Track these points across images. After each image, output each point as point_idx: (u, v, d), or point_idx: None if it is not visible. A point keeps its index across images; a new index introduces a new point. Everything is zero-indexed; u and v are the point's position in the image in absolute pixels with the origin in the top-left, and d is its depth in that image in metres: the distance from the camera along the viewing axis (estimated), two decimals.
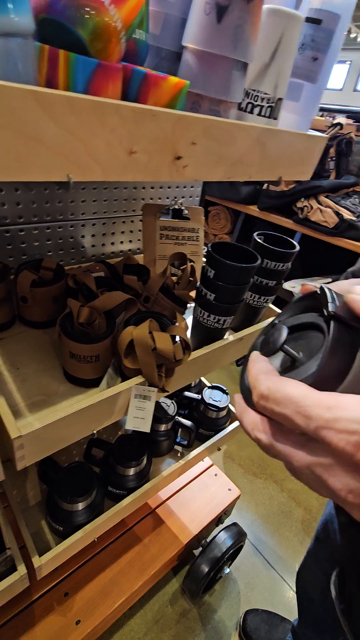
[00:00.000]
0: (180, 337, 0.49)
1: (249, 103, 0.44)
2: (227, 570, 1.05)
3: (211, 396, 0.86)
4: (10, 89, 0.24)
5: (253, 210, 1.64)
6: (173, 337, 0.49)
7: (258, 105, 0.44)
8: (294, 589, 1.12)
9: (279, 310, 0.72)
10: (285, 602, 1.09)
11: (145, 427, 0.50)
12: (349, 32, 9.83)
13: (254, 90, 0.43)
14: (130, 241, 0.83)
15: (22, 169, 0.27)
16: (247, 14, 0.34)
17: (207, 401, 0.85)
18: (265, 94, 0.43)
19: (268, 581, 1.13)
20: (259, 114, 0.45)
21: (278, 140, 0.46)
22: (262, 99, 0.44)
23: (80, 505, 0.62)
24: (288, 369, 0.24)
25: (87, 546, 0.84)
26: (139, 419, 0.49)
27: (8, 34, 0.25)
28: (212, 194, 1.80)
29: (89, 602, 0.78)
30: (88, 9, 0.27)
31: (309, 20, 0.44)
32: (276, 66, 0.42)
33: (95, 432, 0.47)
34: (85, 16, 0.27)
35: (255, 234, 0.62)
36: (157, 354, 0.47)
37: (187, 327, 0.53)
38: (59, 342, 0.49)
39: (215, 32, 0.35)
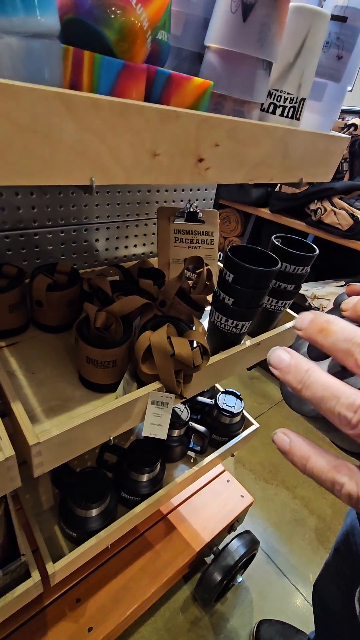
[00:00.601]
0: (198, 342, 0.48)
1: (271, 103, 0.43)
2: (240, 579, 1.03)
3: (225, 401, 0.85)
4: (37, 91, 0.24)
5: (264, 212, 1.63)
6: (191, 342, 0.48)
7: (281, 105, 0.43)
8: (308, 599, 1.10)
9: (296, 315, 0.71)
10: (299, 612, 1.06)
11: (162, 434, 0.49)
12: None
13: (277, 90, 0.42)
14: (144, 244, 0.82)
15: (47, 173, 0.27)
16: (274, 11, 0.33)
17: (220, 406, 0.83)
18: (289, 94, 0.42)
19: (281, 590, 1.11)
20: (282, 115, 0.43)
21: (300, 141, 0.45)
22: (285, 99, 0.43)
23: (94, 512, 0.61)
24: (337, 375, 0.23)
25: (99, 552, 0.84)
26: (156, 426, 0.48)
27: (34, 35, 0.24)
28: (221, 196, 1.79)
29: (101, 608, 0.77)
30: (115, 9, 0.26)
31: (334, 17, 0.43)
32: (300, 65, 0.41)
33: (112, 438, 0.47)
34: (112, 16, 0.26)
35: (273, 237, 0.61)
36: (175, 360, 0.46)
37: (205, 332, 0.52)
38: (76, 347, 0.49)
39: (241, 30, 0.34)
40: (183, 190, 0.82)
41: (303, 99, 0.43)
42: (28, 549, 0.55)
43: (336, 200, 1.36)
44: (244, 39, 0.34)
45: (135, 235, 0.79)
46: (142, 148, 0.32)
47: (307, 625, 1.01)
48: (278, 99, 0.43)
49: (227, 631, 0.99)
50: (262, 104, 0.43)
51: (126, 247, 0.79)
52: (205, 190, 0.86)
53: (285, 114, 0.43)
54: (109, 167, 0.30)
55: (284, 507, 1.33)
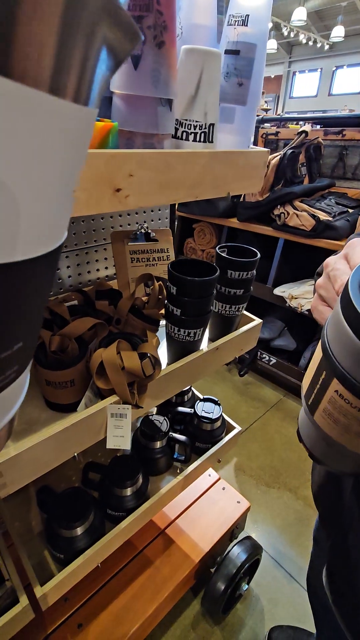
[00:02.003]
0: (149, 354, 0.51)
1: (183, 132, 0.48)
2: (246, 587, 1.02)
3: (203, 409, 0.87)
4: None
5: (233, 222, 1.69)
6: (143, 355, 0.51)
7: (192, 132, 0.48)
8: None
9: (254, 317, 0.75)
10: (312, 615, 1.05)
11: (126, 445, 0.51)
12: (315, 42, 10.25)
13: (186, 120, 0.47)
14: (107, 267, 0.86)
15: None
16: (160, 58, 0.38)
17: (199, 414, 0.86)
18: (197, 121, 0.47)
19: (292, 594, 1.09)
20: (195, 140, 0.48)
21: (216, 160, 0.50)
22: (195, 127, 0.47)
23: (79, 530, 0.62)
24: None
25: (97, 574, 0.84)
26: (118, 437, 0.51)
27: None
28: (192, 211, 1.86)
29: (103, 631, 0.77)
30: None
31: (228, 52, 0.48)
32: (202, 97, 0.46)
33: (76, 455, 0.49)
34: None
35: (217, 248, 0.65)
36: (127, 372, 0.49)
37: (158, 344, 0.56)
38: (35, 372, 0.52)
39: (135, 76, 0.39)
40: (137, 214, 0.87)
41: (212, 124, 0.48)
42: (15, 573, 0.57)
43: (297, 203, 1.42)
44: (138, 84, 0.39)
45: (97, 260, 0.84)
46: None
47: None
48: (188, 127, 0.47)
49: None
50: (176, 132, 0.48)
51: (89, 272, 0.83)
52: (159, 210, 0.91)
53: (197, 139, 0.48)
54: None
55: (287, 509, 1.33)
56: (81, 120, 0.13)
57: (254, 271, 0.64)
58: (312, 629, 0.98)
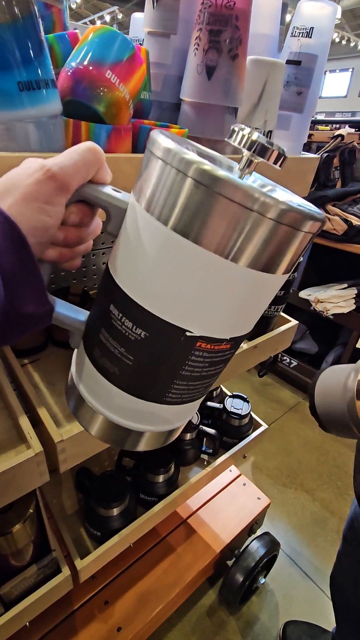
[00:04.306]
0: None
1: None
2: (263, 580, 1.05)
3: (233, 405, 0.90)
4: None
5: None
6: None
7: None
8: None
9: (290, 318, 0.76)
10: (326, 614, 1.07)
11: None
12: (349, 40, 10.02)
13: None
14: None
15: None
16: (233, 69, 0.41)
17: (229, 410, 0.88)
18: (257, 128, 0.49)
19: (306, 593, 1.11)
20: None
21: (272, 166, 0.52)
22: None
23: (115, 511, 0.66)
24: None
25: (123, 555, 0.88)
26: None
27: (43, 116, 0.32)
28: None
29: (128, 609, 0.81)
30: (103, 88, 0.34)
31: (290, 62, 0.50)
32: (264, 105, 0.48)
33: None
34: (101, 94, 0.34)
35: None
36: None
37: None
38: None
39: (207, 87, 0.41)
40: None
41: (270, 131, 0.50)
42: (57, 546, 0.61)
43: (330, 207, 1.42)
44: (210, 93, 0.41)
45: None
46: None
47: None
48: None
49: (254, 634, 1.00)
50: None
51: None
52: None
53: None
54: None
55: (304, 510, 1.34)
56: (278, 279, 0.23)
57: (295, 273, 0.66)
58: (325, 626, 1.00)
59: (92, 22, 8.42)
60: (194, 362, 0.24)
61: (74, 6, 8.46)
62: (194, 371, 0.25)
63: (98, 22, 8.50)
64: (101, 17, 8.56)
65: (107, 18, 8.44)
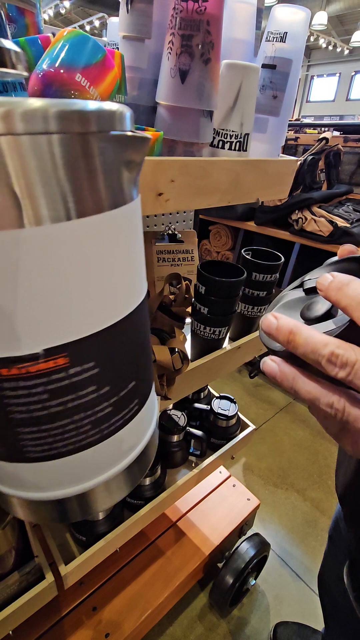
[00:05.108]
0: (178, 349, 0.54)
1: (220, 140, 0.51)
2: (253, 582, 1.05)
3: (220, 406, 0.90)
4: None
5: (250, 225, 1.71)
6: (172, 349, 0.54)
7: (228, 141, 0.51)
8: None
9: None
10: (317, 613, 1.07)
11: None
12: (335, 46, 10.20)
13: (223, 130, 0.50)
14: None
15: None
16: (206, 73, 0.41)
17: (216, 411, 0.88)
18: (233, 131, 0.50)
19: (297, 593, 1.11)
20: (230, 149, 0.51)
21: (249, 168, 0.53)
22: (231, 136, 0.50)
23: (101, 515, 0.66)
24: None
25: (111, 560, 0.88)
26: None
27: None
28: (210, 214, 1.88)
29: (117, 615, 0.80)
30: (72, 92, 0.34)
31: (265, 66, 0.51)
32: (240, 108, 0.49)
33: None
34: (71, 97, 0.34)
35: (242, 250, 0.68)
36: (157, 365, 0.52)
37: (185, 340, 0.58)
38: None
39: (181, 90, 0.42)
40: (163, 215, 0.90)
41: (247, 134, 0.51)
42: (41, 551, 0.60)
43: (315, 208, 1.43)
44: (184, 96, 0.42)
45: None
46: None
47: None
48: (225, 136, 0.50)
49: (245, 636, 1.00)
50: (212, 141, 0.51)
51: None
52: (185, 212, 0.94)
53: (233, 148, 0.51)
54: None
55: (294, 510, 1.34)
56: (131, 210, 0.18)
57: (277, 274, 0.67)
58: (316, 627, 1.00)
59: (82, 27, 8.44)
60: (14, 399, 0.17)
61: (63, 11, 8.49)
62: (32, 411, 0.18)
63: (87, 28, 8.54)
64: (90, 22, 8.59)
65: (97, 23, 8.48)
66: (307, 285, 0.28)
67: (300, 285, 0.29)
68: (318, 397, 0.20)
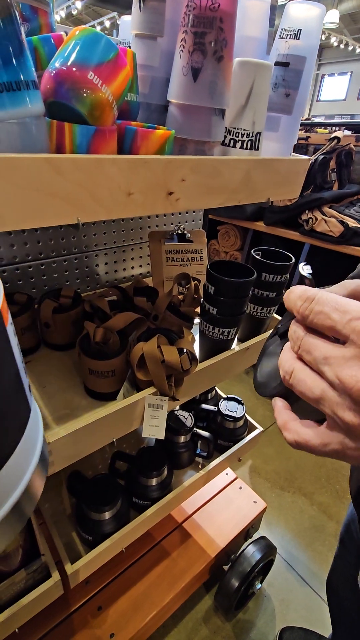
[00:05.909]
0: (186, 349, 0.54)
1: (231, 139, 0.50)
2: (259, 586, 1.04)
3: (227, 407, 0.89)
4: (28, 159, 0.31)
5: (260, 226, 1.70)
6: (181, 350, 0.54)
7: (240, 140, 0.50)
8: None
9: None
10: (323, 619, 1.05)
11: (160, 435, 0.54)
12: (347, 44, 10.08)
13: (235, 128, 0.49)
14: (141, 265, 0.89)
15: (40, 218, 0.34)
16: (218, 71, 0.41)
17: (223, 412, 0.88)
18: (245, 130, 0.49)
19: (304, 598, 1.10)
20: (242, 147, 0.50)
21: (260, 167, 0.52)
22: (243, 135, 0.50)
23: (107, 515, 0.66)
24: None
25: (117, 560, 0.87)
26: (153, 427, 0.53)
27: (25, 117, 0.32)
28: (219, 214, 1.88)
29: (122, 615, 0.80)
30: (85, 90, 0.34)
31: (278, 64, 0.50)
32: (252, 106, 0.48)
33: (114, 440, 0.52)
34: (84, 95, 0.34)
35: (252, 251, 0.67)
36: (166, 366, 0.51)
37: (193, 340, 0.58)
38: (79, 361, 0.55)
39: (193, 88, 0.41)
40: (172, 215, 0.90)
41: (259, 132, 0.50)
42: (48, 550, 0.60)
43: (326, 209, 1.42)
44: (196, 95, 0.41)
45: (132, 258, 0.87)
46: (117, 190, 0.39)
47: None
48: (236, 135, 0.50)
49: None
50: (224, 140, 0.50)
51: (124, 269, 0.87)
52: (194, 212, 0.94)
53: (244, 147, 0.50)
54: (92, 207, 0.38)
55: (301, 514, 1.33)
56: None
57: (287, 275, 0.66)
58: (322, 632, 0.98)
59: (93, 27, 8.47)
60: None
61: (74, 12, 8.54)
62: None
63: (98, 28, 8.57)
64: (101, 23, 8.63)
65: (107, 24, 8.51)
66: (280, 330, 0.33)
67: (275, 331, 0.34)
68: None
